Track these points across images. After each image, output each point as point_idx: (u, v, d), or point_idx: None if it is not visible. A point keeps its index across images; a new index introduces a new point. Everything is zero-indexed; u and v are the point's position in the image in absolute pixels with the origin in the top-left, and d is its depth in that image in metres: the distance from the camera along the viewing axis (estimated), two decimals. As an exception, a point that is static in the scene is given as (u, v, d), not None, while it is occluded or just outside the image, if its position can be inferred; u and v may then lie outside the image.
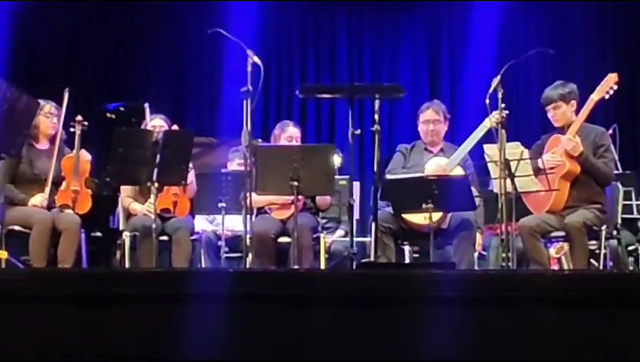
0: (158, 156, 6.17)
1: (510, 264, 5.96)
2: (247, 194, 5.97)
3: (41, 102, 6.54)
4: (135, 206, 6.90)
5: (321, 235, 6.91)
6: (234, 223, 6.79)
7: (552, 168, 6.26)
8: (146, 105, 7.13)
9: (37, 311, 3.68)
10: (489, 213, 6.74)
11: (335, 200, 7.12)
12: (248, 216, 6.03)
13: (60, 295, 3.71)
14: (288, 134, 6.99)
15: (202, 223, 7.23)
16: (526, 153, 6.18)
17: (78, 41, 9.92)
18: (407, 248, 6.75)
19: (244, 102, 6.02)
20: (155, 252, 6.23)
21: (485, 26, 9.26)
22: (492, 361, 3.59)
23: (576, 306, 3.61)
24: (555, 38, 9.69)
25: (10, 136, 5.91)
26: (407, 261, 6.70)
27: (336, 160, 7.06)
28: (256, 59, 6.10)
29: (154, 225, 6.26)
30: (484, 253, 7.16)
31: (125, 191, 6.98)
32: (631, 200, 7.29)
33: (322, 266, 6.80)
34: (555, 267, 6.93)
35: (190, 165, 6.48)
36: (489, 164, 6.26)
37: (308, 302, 3.66)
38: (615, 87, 6.37)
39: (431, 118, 6.92)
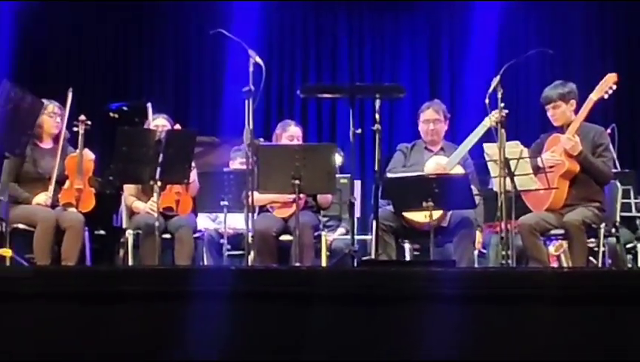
0: (161, 155, 6.18)
1: (510, 262, 5.98)
2: (249, 193, 5.98)
3: (45, 101, 6.56)
4: (138, 204, 6.91)
5: (323, 233, 6.93)
6: (236, 221, 6.79)
7: (551, 167, 6.26)
8: (149, 104, 7.12)
9: (41, 309, 3.69)
10: (489, 212, 6.76)
11: (336, 199, 7.11)
12: (250, 215, 6.04)
13: (63, 292, 3.71)
14: (290, 133, 7.00)
15: (205, 221, 7.24)
16: (525, 152, 6.20)
17: (81, 41, 9.93)
18: (407, 246, 6.76)
19: (246, 101, 6.03)
20: (158, 250, 6.24)
21: (485, 26, 9.26)
22: (492, 358, 3.59)
23: (575, 304, 3.61)
24: (555, 38, 9.70)
25: (14, 136, 5.94)
26: (407, 259, 6.71)
27: (338, 159, 7.08)
28: (258, 59, 6.11)
29: (157, 224, 6.26)
30: (484, 250, 7.17)
31: (128, 189, 6.99)
32: (629, 198, 7.30)
33: (323, 264, 6.81)
34: (555, 264, 6.94)
35: (193, 164, 6.50)
36: (489, 163, 6.28)
37: (309, 300, 3.66)
38: (614, 86, 6.37)
39: (431, 118, 6.93)
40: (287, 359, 3.65)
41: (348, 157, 7.39)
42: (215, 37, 6.39)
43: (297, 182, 6.07)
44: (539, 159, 6.28)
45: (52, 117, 6.85)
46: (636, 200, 7.40)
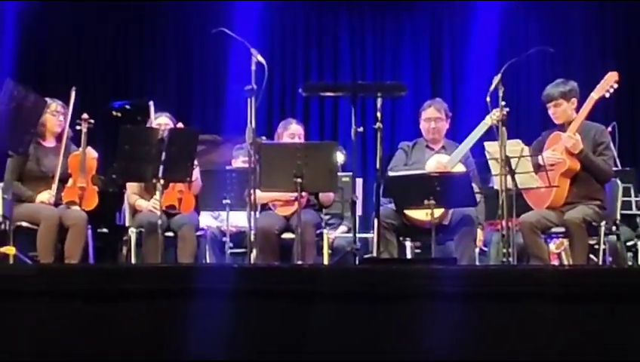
0: (164, 153, 6.20)
1: (511, 259, 6.00)
2: (252, 191, 5.99)
3: (48, 100, 6.57)
4: (141, 202, 6.92)
5: (325, 231, 6.93)
6: (238, 219, 6.81)
7: (552, 165, 6.27)
8: (151, 103, 7.14)
9: (44, 306, 3.69)
10: (490, 209, 6.77)
11: (338, 197, 7.10)
12: (252, 213, 6.05)
13: (67, 290, 3.72)
14: (291, 132, 7.00)
15: (207, 219, 7.25)
16: (526, 150, 6.21)
17: (84, 40, 9.94)
18: (409, 244, 6.79)
19: (249, 100, 6.03)
20: (161, 248, 6.27)
21: (486, 26, 9.26)
22: (493, 355, 3.60)
23: (575, 301, 3.62)
24: (556, 38, 9.68)
25: (17, 135, 5.94)
26: (409, 256, 6.73)
27: (339, 157, 7.12)
28: (260, 58, 6.11)
29: (159, 222, 6.28)
30: (485, 248, 7.19)
31: (131, 188, 6.99)
32: (630, 196, 7.31)
33: (325, 262, 6.81)
34: (555, 262, 6.96)
35: (195, 162, 6.52)
36: (490, 161, 6.29)
37: (311, 297, 3.67)
38: (615, 85, 6.39)
39: (432, 116, 6.95)
40: (289, 356, 3.65)
41: (350, 155, 7.44)
42: (217, 36, 6.39)
43: (299, 180, 6.08)
44: (540, 157, 6.28)
45: (55, 115, 6.87)
46: (636, 198, 7.41)
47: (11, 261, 6.08)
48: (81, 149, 6.85)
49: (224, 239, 6.74)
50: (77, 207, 6.66)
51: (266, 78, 6.05)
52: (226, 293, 3.67)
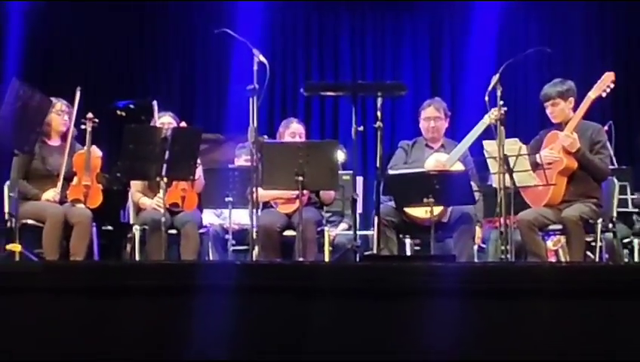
0: (167, 152, 6.22)
1: (509, 256, 6.02)
2: (254, 189, 6.01)
3: (53, 100, 6.62)
4: (145, 200, 6.95)
5: (325, 229, 6.98)
6: (240, 217, 6.81)
7: (549, 163, 6.31)
8: (155, 102, 7.12)
9: (50, 303, 3.74)
10: (488, 207, 6.79)
11: (339, 195, 7.12)
12: (254, 210, 6.08)
13: (72, 287, 3.76)
14: (292, 130, 7.03)
15: (210, 217, 7.26)
16: (524, 149, 6.24)
17: (89, 40, 9.94)
18: (408, 241, 6.82)
19: (251, 99, 6.06)
20: (164, 245, 6.30)
21: (486, 26, 9.24)
22: (491, 351, 3.63)
23: (573, 298, 3.65)
24: (555, 38, 9.68)
25: (23, 134, 5.99)
26: (408, 253, 6.76)
27: (340, 155, 7.14)
28: (262, 58, 6.12)
29: (163, 219, 6.30)
30: (483, 245, 7.20)
31: (135, 186, 7.03)
32: (626, 194, 7.36)
33: (326, 259, 6.86)
34: (553, 259, 6.99)
35: (198, 161, 6.53)
36: (488, 160, 6.32)
37: (312, 294, 3.71)
38: (612, 85, 6.43)
39: (432, 115, 6.98)
40: (290, 351, 3.68)
41: (350, 154, 7.47)
42: (220, 36, 6.40)
43: (301, 178, 6.11)
44: (537, 156, 6.33)
45: (60, 115, 6.91)
46: (632, 196, 7.45)
47: (17, 258, 6.10)
48: (85, 148, 6.86)
49: (226, 236, 6.74)
50: (82, 205, 6.68)
51: (267, 78, 6.07)
52: (228, 290, 3.71)
